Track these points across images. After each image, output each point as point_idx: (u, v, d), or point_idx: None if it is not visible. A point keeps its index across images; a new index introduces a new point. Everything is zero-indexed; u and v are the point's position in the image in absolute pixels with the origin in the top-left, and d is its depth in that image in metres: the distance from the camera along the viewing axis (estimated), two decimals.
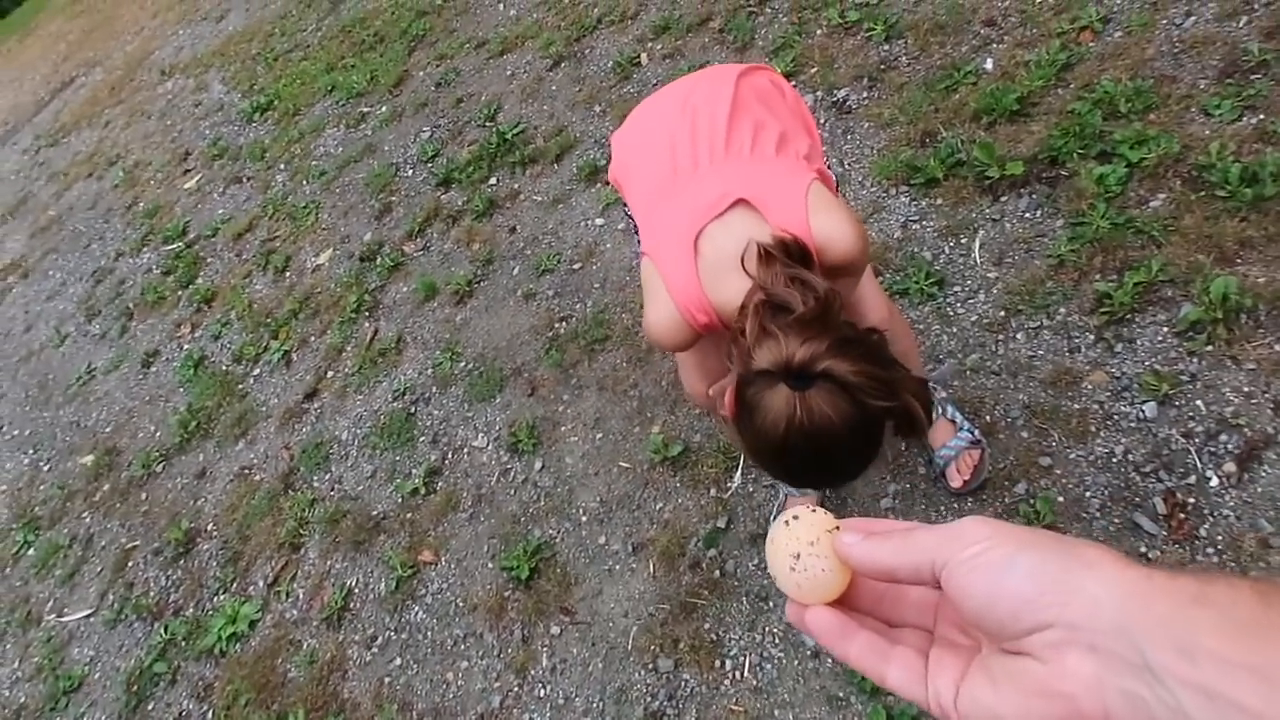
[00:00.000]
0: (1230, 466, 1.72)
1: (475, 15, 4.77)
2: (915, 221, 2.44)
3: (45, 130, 8.35)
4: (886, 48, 2.95)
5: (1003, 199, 2.34)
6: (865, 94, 2.87)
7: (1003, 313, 2.14)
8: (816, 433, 1.04)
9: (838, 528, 0.49)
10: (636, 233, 1.55)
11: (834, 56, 3.06)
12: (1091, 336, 1.99)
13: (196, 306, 4.15)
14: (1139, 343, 1.93)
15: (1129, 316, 1.97)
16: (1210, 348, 1.85)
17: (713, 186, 1.33)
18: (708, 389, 1.53)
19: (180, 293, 4.35)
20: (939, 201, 2.44)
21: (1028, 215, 2.27)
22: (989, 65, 2.67)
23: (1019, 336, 2.09)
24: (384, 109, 4.57)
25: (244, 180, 4.91)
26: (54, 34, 12.93)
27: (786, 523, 0.51)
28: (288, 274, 3.95)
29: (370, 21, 5.59)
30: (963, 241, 2.33)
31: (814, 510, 0.51)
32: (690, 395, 1.73)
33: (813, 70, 3.06)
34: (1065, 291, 2.08)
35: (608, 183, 3.21)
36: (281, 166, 4.76)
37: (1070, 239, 2.14)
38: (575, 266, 3.02)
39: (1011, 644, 0.41)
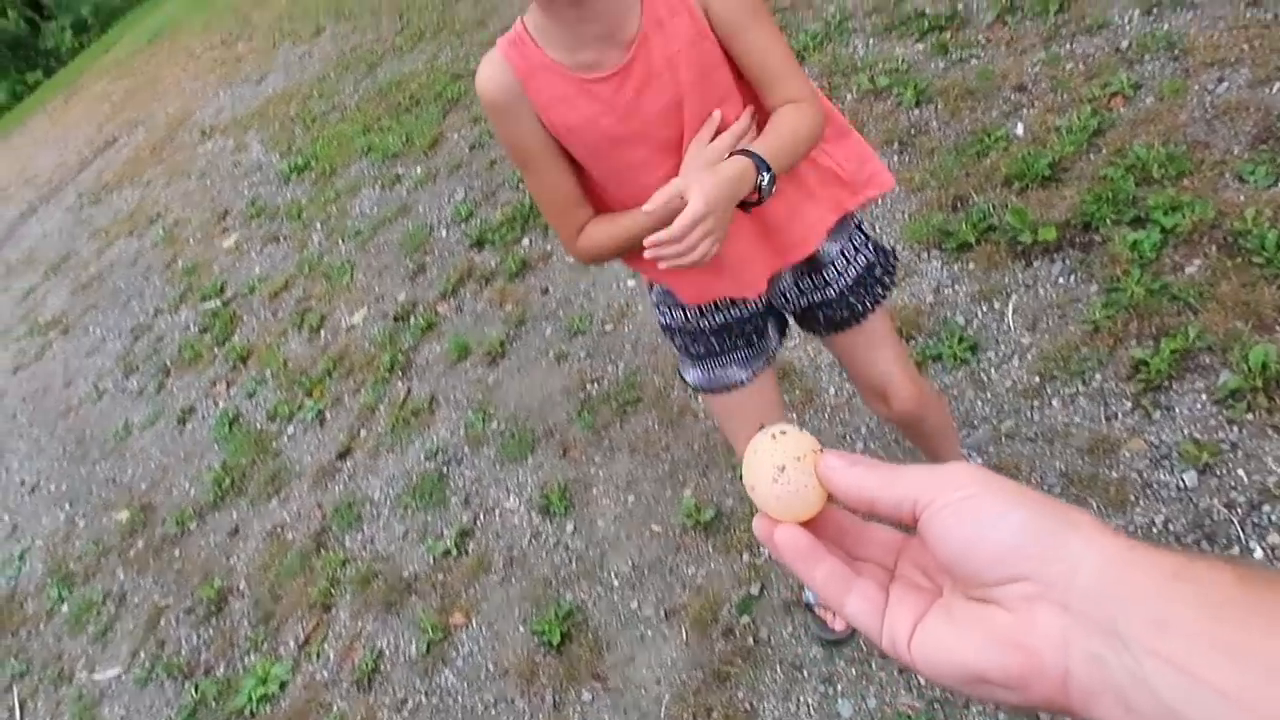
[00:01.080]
0: (1275, 538, 1.69)
1: None
2: (948, 286, 2.45)
3: (88, 189, 8.59)
4: (917, 113, 2.99)
5: (1036, 264, 2.34)
6: (896, 158, 2.89)
7: (1038, 379, 2.13)
8: None
9: (822, 450, 0.49)
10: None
11: (864, 121, 3.09)
12: (1129, 404, 1.98)
13: (232, 364, 4.21)
14: (1177, 410, 1.92)
15: (1166, 384, 1.95)
16: (1251, 416, 1.83)
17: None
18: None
19: (216, 350, 4.42)
20: (971, 266, 2.45)
21: (1061, 281, 2.27)
22: (1020, 130, 2.69)
23: (1055, 403, 2.07)
24: (419, 170, 4.66)
25: (281, 239, 5.01)
26: (98, 94, 13.34)
27: (773, 436, 0.50)
28: (322, 333, 4.00)
29: (406, 85, 5.73)
30: (996, 307, 2.33)
31: (801, 430, 0.51)
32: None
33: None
34: (1101, 358, 2.07)
35: None
36: (318, 226, 4.86)
37: (1105, 305, 2.13)
38: (607, 328, 3.05)
39: (981, 592, 0.41)
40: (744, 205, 1.20)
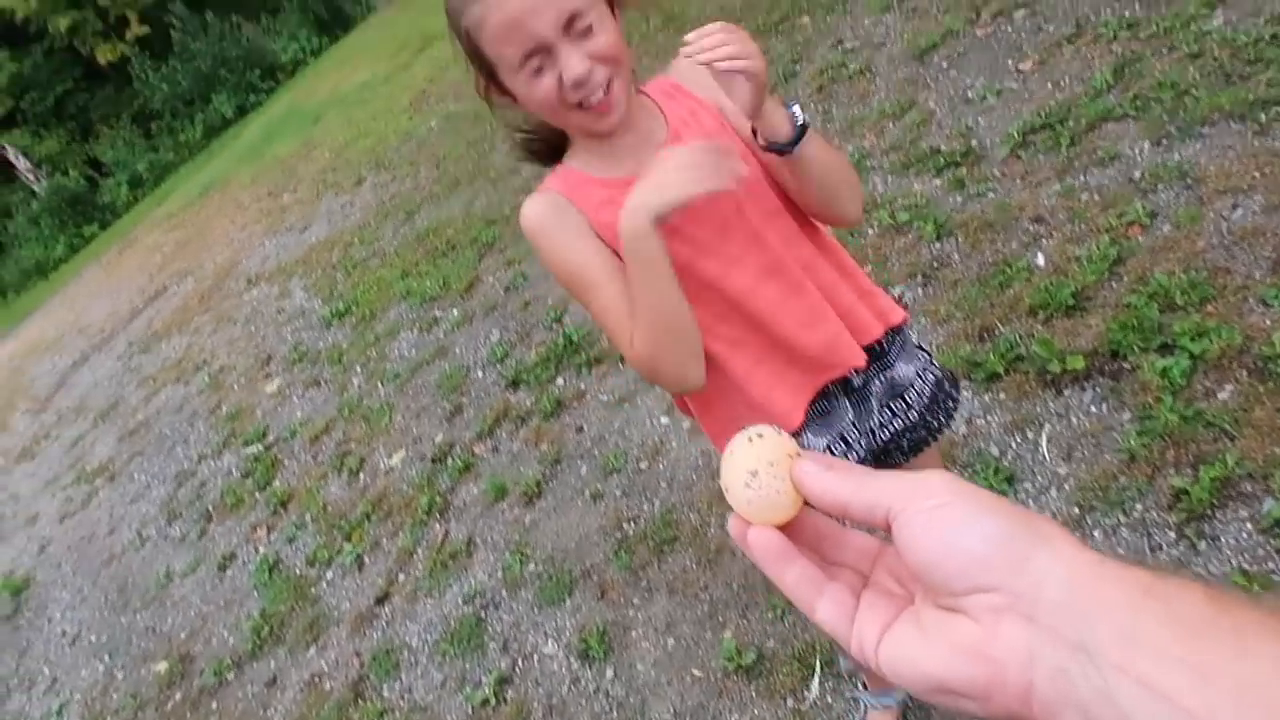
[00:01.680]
0: None
1: None
2: (979, 417, 2.45)
3: (138, 337, 8.89)
4: (938, 246, 3.06)
5: (1066, 393, 2.35)
6: (920, 291, 2.95)
7: (1077, 509, 2.11)
8: None
9: (799, 454, 0.49)
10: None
11: (887, 255, 3.17)
12: (1172, 534, 1.94)
13: (273, 509, 4.26)
14: (1223, 540, 1.88)
15: (1209, 513, 1.92)
16: None
17: None
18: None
19: (258, 495, 4.48)
20: (1002, 396, 2.46)
21: (1093, 409, 2.27)
22: (1040, 261, 2.74)
23: (1096, 534, 2.04)
24: (455, 312, 4.80)
25: (322, 383, 5.13)
26: (151, 245, 13.95)
27: (750, 439, 0.50)
28: (361, 476, 4.06)
29: (443, 230, 5.96)
30: (1029, 436, 2.32)
31: (780, 433, 0.51)
32: None
33: (866, 269, 3.15)
34: (1140, 487, 2.05)
35: None
36: (358, 369, 4.98)
37: (1139, 433, 2.12)
38: (642, 466, 3.07)
39: (949, 601, 0.40)
40: (775, 148, 1.20)
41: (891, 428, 1.51)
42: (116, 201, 26.23)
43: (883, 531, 0.45)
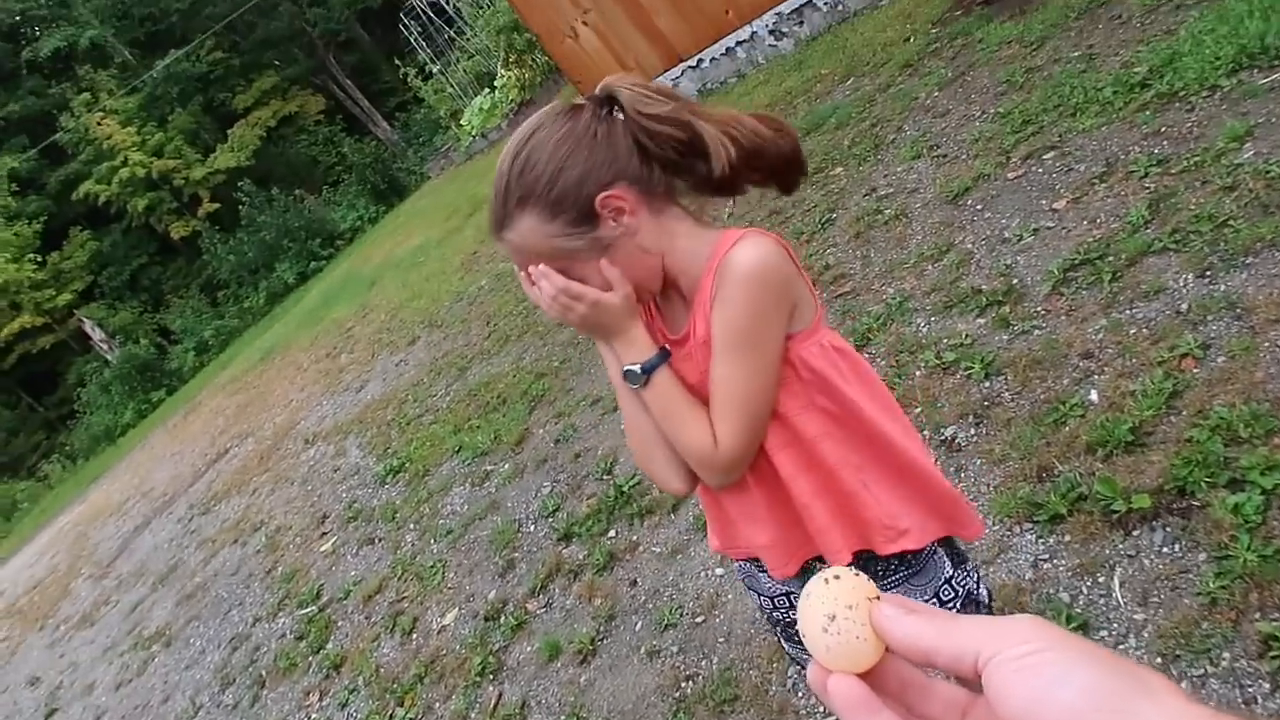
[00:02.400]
0: None
1: (589, 374, 5.14)
2: (1045, 560, 2.37)
3: (199, 499, 9.05)
4: (987, 385, 3.04)
5: (1135, 533, 2.26)
6: (973, 431, 2.91)
7: (1159, 658, 1.99)
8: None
9: (879, 597, 0.45)
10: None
11: (936, 396, 3.15)
12: (1266, 684, 1.82)
13: (325, 673, 4.20)
14: None
15: None
16: None
17: None
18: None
19: (311, 659, 4.43)
20: (1067, 538, 2.38)
21: (1166, 550, 2.18)
22: (1094, 397, 2.70)
23: (1184, 685, 1.92)
24: (507, 466, 4.83)
25: (376, 541, 5.15)
26: (214, 409, 14.37)
27: (826, 580, 0.46)
28: (414, 635, 4.00)
29: (494, 385, 6.07)
30: (1100, 580, 2.23)
31: (857, 574, 0.47)
32: None
33: (917, 410, 3.14)
34: (1225, 634, 1.94)
35: None
36: (411, 526, 5.00)
37: (1218, 574, 2.03)
38: (698, 620, 2.99)
39: None
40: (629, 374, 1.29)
41: None
42: (183, 367, 27.26)
43: (972, 681, 0.43)
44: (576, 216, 1.20)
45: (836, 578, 0.49)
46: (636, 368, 1.26)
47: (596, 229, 1.21)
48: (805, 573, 1.41)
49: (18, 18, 35.85)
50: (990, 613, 1.51)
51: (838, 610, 0.47)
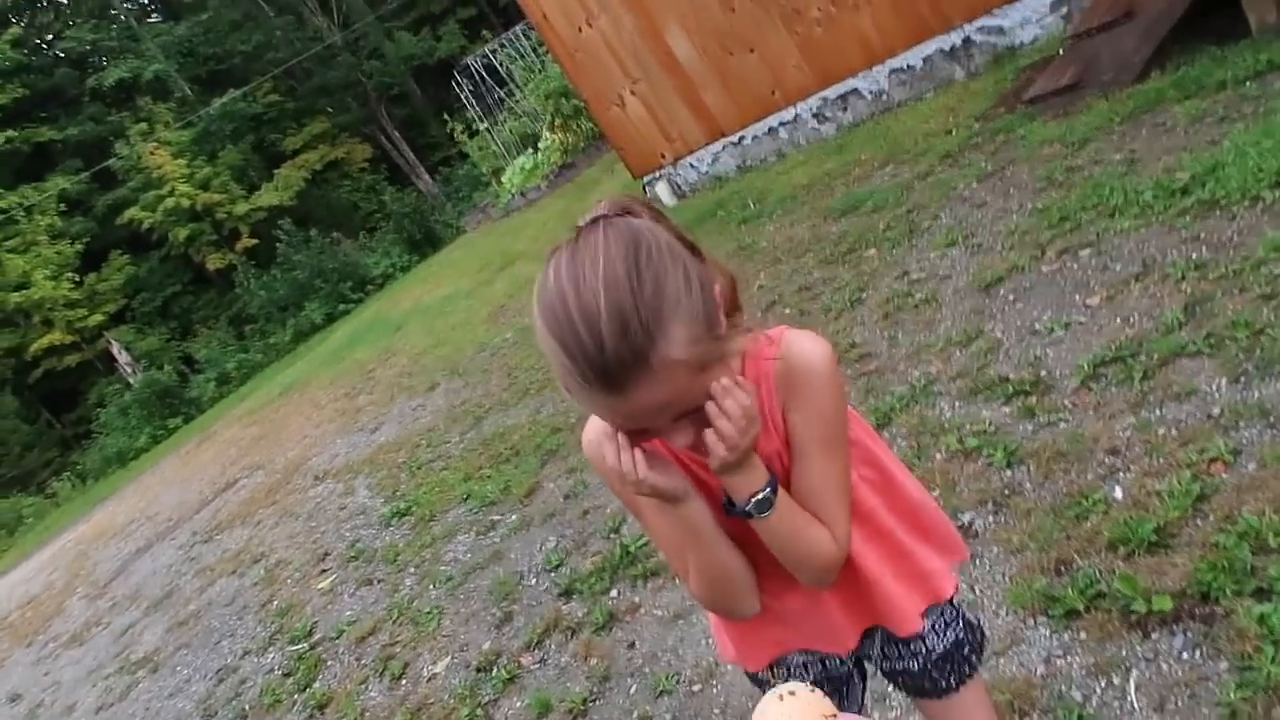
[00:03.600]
0: None
1: None
2: (1059, 656, 2.29)
3: (202, 528, 9.01)
4: (1009, 473, 2.98)
5: (1154, 636, 2.19)
6: (991, 519, 2.85)
7: None
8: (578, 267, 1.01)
9: (835, 716, 0.42)
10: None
11: (955, 480, 3.09)
12: None
13: (310, 712, 4.11)
14: None
15: None
16: None
17: None
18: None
19: (296, 696, 4.34)
20: (1083, 635, 2.30)
21: (1185, 656, 2.10)
22: (1118, 494, 2.64)
23: None
24: (514, 518, 4.78)
25: (374, 582, 5.08)
26: (228, 440, 14.40)
27: (781, 697, 0.43)
28: (404, 681, 3.91)
29: (508, 436, 6.04)
30: (1115, 682, 2.15)
31: (812, 690, 0.43)
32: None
33: (935, 493, 3.08)
34: None
35: None
36: (411, 570, 4.93)
37: (1239, 685, 1.95)
38: (695, 688, 2.90)
39: None
40: (728, 506, 1.17)
41: (890, 665, 1.47)
42: (203, 397, 27.43)
43: None
44: (710, 320, 1.03)
45: (792, 694, 0.48)
46: (767, 489, 1.13)
47: (720, 331, 1.06)
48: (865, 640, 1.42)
49: (88, 47, 37.18)
50: (984, 636, 1.51)
51: None
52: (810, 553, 1.18)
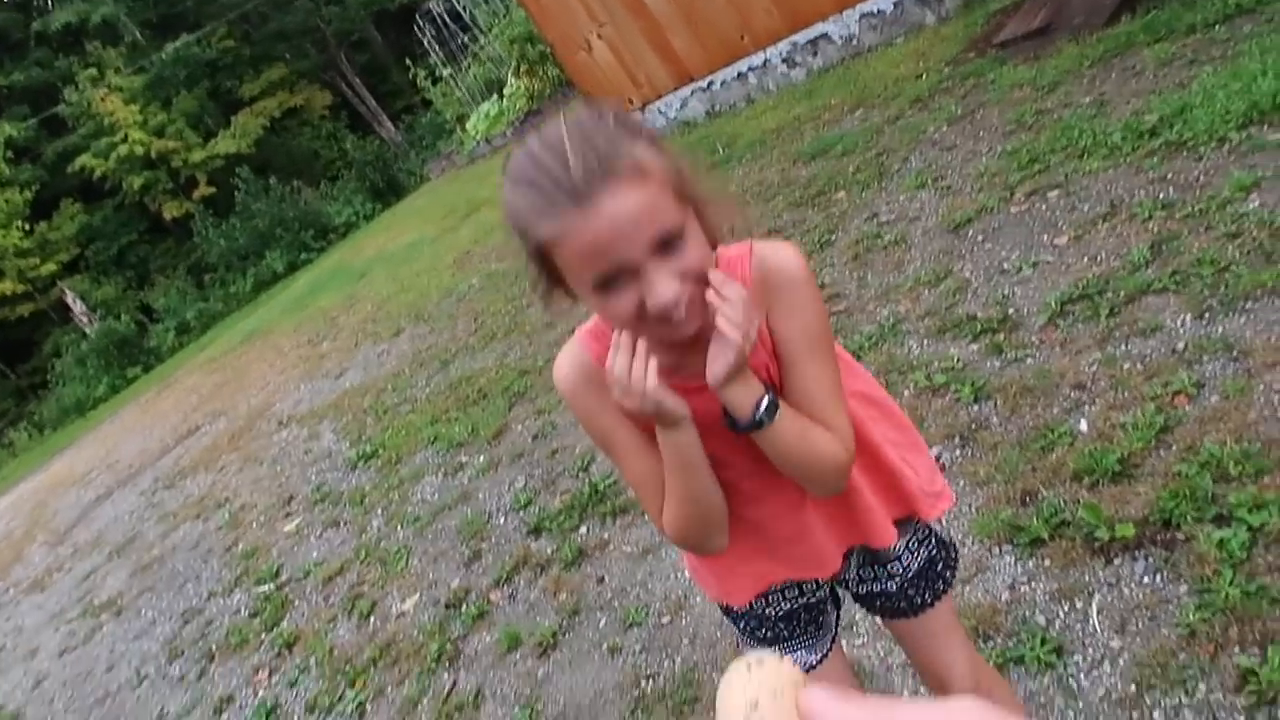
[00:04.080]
0: None
1: None
2: (1024, 583, 2.33)
3: (165, 474, 8.90)
4: (976, 408, 3.01)
5: (1116, 562, 2.23)
6: (958, 453, 2.88)
7: (1133, 687, 1.95)
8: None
9: (804, 685, 0.41)
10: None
11: (923, 416, 3.12)
12: (1241, 718, 1.79)
13: (278, 651, 4.10)
14: None
15: None
16: None
17: None
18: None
19: (264, 636, 4.32)
20: (1047, 563, 2.34)
21: (1147, 580, 2.14)
22: (1084, 427, 2.67)
23: (1156, 715, 1.88)
24: (482, 459, 4.76)
25: (341, 524, 5.05)
26: (189, 387, 14.20)
27: (749, 666, 0.42)
28: (372, 619, 3.91)
29: (475, 380, 6.00)
30: (1079, 606, 2.19)
31: (781, 659, 0.43)
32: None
33: None
34: (1202, 666, 1.90)
35: None
36: (379, 512, 4.91)
37: (1199, 608, 1.99)
38: (664, 620, 2.93)
39: None
40: (731, 424, 1.13)
41: (866, 589, 1.49)
42: (162, 346, 26.98)
43: None
44: (679, 172, 1.04)
45: (760, 663, 0.46)
46: (769, 394, 1.11)
47: (691, 187, 1.06)
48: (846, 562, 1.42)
49: None
50: (956, 552, 1.52)
51: (761, 696, 0.45)
52: (820, 455, 1.16)
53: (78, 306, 30.20)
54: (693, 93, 9.43)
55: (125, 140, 32.12)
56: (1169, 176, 3.57)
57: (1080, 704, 1.98)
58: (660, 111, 9.79)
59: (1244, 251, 2.94)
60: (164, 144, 32.99)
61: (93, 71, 33.40)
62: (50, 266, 32.03)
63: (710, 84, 9.26)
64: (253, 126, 35.13)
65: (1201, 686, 1.87)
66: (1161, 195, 3.49)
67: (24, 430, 27.95)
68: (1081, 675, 2.04)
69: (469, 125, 19.52)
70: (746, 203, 6.10)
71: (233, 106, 36.07)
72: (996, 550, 2.46)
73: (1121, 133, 4.02)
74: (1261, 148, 3.38)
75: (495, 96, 18.67)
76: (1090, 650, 2.09)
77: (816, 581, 1.45)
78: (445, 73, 21.01)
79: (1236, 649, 1.89)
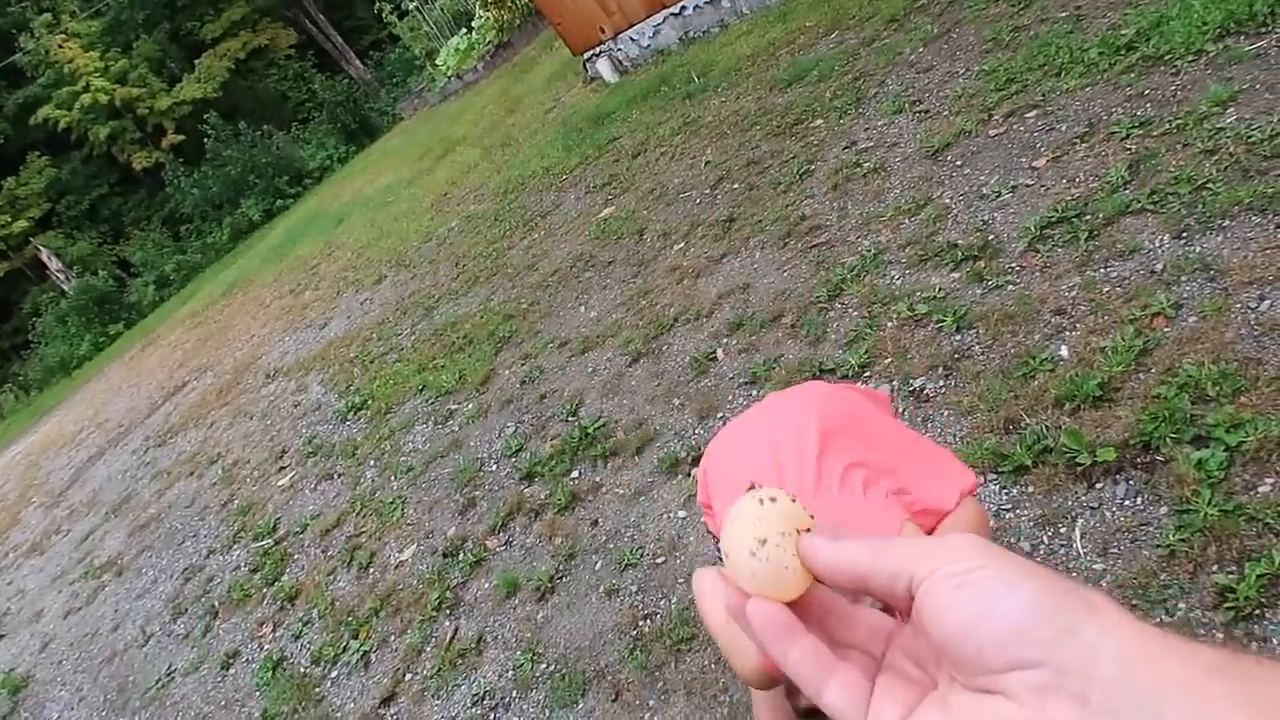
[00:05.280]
0: None
1: (558, 317, 5.08)
2: (1008, 510, 2.37)
3: (155, 431, 8.90)
4: (958, 338, 3.02)
5: (1098, 485, 2.27)
6: (942, 383, 2.90)
7: None
8: None
9: (810, 530, 0.42)
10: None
11: (907, 348, 3.13)
12: (1220, 634, 1.84)
13: (280, 605, 4.16)
14: (1274, 641, 1.78)
15: (1258, 612, 1.83)
16: None
17: None
18: None
19: (265, 590, 4.38)
20: (1030, 489, 2.38)
21: (1128, 503, 2.19)
22: (1064, 352, 2.69)
23: None
24: (471, 406, 4.78)
25: (335, 477, 5.08)
26: (173, 343, 14.12)
27: (761, 501, 0.43)
28: (371, 570, 3.97)
29: (460, 325, 5.99)
30: (1061, 531, 2.24)
31: (795, 501, 0.44)
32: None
33: (887, 361, 3.13)
34: (1182, 585, 1.95)
35: (689, 474, 3.23)
36: (371, 463, 4.94)
37: (1178, 528, 2.04)
38: (659, 561, 2.98)
39: (983, 681, 0.35)
40: None
41: None
42: (142, 301, 26.74)
43: (905, 607, 0.40)
44: None
45: (773, 500, 0.45)
46: None
47: None
48: None
49: None
50: None
51: (769, 534, 0.43)
52: None
53: (54, 264, 29.80)
54: (665, 19, 9.23)
55: (88, 89, 31.32)
56: (1146, 93, 3.54)
57: None
58: (633, 39, 9.60)
59: (1221, 168, 2.93)
60: (127, 91, 32.18)
61: (47, 17, 32.37)
62: (22, 224, 31.51)
63: (683, 9, 9.06)
64: (218, 70, 34.26)
65: (1181, 605, 1.93)
66: (1139, 112, 3.46)
67: (10, 392, 27.83)
68: None
69: (439, 61, 19.11)
70: (724, 134, 6.03)
71: (195, 49, 35.13)
72: (981, 479, 2.50)
73: (1098, 48, 3.97)
74: (1239, 59, 3.34)
75: (464, 30, 18.25)
76: (1074, 574, 2.13)
77: None
78: (411, 5, 20.47)
79: (1215, 567, 1.94)
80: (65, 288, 28.70)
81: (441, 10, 19.72)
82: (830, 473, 1.42)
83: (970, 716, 0.36)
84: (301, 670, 3.63)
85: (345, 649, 3.55)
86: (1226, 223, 2.74)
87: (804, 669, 0.42)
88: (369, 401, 5.78)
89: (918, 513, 1.37)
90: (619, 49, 9.79)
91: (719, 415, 3.44)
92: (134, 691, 4.34)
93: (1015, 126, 3.91)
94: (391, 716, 3.09)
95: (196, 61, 34.49)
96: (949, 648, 0.37)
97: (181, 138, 32.59)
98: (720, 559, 0.47)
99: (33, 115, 31.99)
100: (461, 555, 3.64)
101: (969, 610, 0.36)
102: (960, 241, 3.45)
